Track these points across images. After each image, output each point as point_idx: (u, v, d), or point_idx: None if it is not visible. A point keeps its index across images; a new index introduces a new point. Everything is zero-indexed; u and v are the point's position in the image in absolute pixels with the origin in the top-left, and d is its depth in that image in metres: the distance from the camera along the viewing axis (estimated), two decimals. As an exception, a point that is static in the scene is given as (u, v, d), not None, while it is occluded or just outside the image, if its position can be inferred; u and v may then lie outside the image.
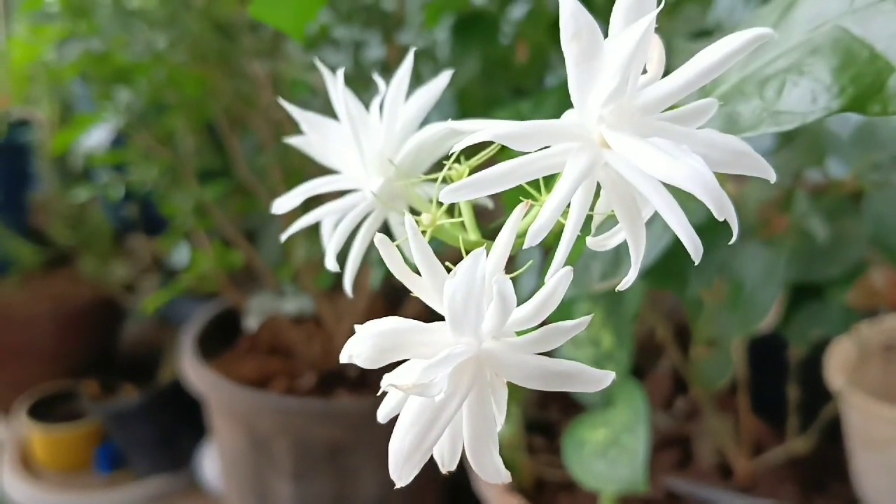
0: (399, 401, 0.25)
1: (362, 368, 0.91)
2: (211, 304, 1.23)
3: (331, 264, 0.33)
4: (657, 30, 0.24)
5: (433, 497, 1.13)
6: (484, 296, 0.22)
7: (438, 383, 0.22)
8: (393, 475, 0.23)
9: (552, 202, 0.23)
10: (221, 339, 1.17)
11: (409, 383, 0.22)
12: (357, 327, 0.24)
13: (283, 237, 0.34)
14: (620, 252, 0.51)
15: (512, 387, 0.81)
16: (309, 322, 1.14)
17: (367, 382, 1.07)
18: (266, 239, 1.19)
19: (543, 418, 0.98)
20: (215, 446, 1.18)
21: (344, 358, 0.24)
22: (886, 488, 0.88)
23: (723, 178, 0.55)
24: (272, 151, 1.04)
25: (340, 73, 0.31)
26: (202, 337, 1.14)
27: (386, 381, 0.23)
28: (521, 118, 0.73)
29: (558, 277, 0.23)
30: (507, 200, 0.37)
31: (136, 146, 1.08)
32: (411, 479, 0.23)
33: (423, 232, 0.28)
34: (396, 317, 0.24)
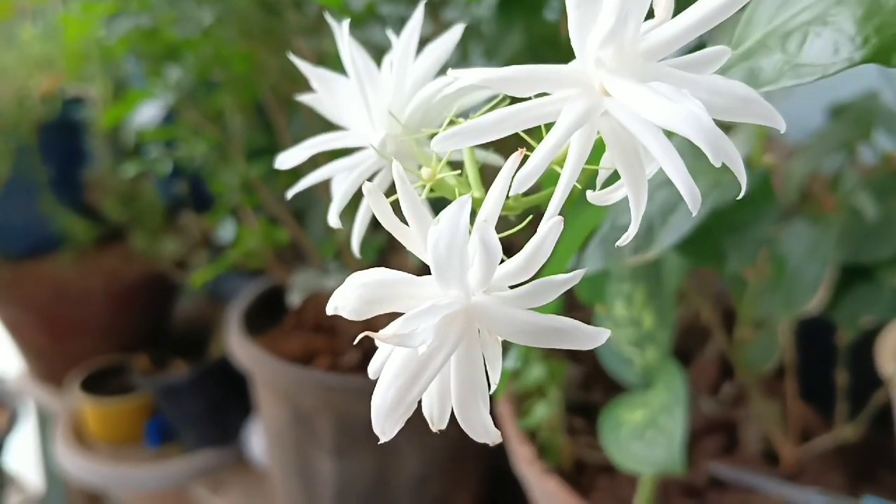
0: (386, 355, 0.25)
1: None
2: (258, 281, 1.24)
3: (333, 221, 0.32)
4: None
5: (475, 477, 1.13)
6: (467, 245, 0.22)
7: (420, 334, 0.21)
8: (376, 429, 0.23)
9: (542, 148, 0.22)
10: (267, 315, 1.18)
11: (391, 332, 0.21)
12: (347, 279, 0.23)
13: (289, 195, 0.33)
14: (652, 225, 0.50)
15: (553, 368, 0.80)
16: (353, 299, 1.14)
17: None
18: (312, 216, 1.19)
19: (585, 400, 0.96)
20: (260, 422, 1.20)
21: (329, 310, 0.23)
22: (940, 479, 0.85)
23: (762, 150, 0.53)
24: (319, 129, 1.04)
25: (346, 24, 0.30)
26: (248, 313, 1.15)
27: (369, 333, 0.22)
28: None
29: (549, 226, 0.22)
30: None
31: (185, 123, 1.09)
32: (395, 433, 0.23)
33: (423, 187, 0.27)
34: (384, 268, 0.23)
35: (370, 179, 0.32)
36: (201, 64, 1.03)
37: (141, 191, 1.33)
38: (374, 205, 0.24)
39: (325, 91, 0.32)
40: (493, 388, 0.25)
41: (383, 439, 0.23)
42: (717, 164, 0.21)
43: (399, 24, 1.06)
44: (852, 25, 0.26)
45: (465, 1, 0.97)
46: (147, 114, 1.14)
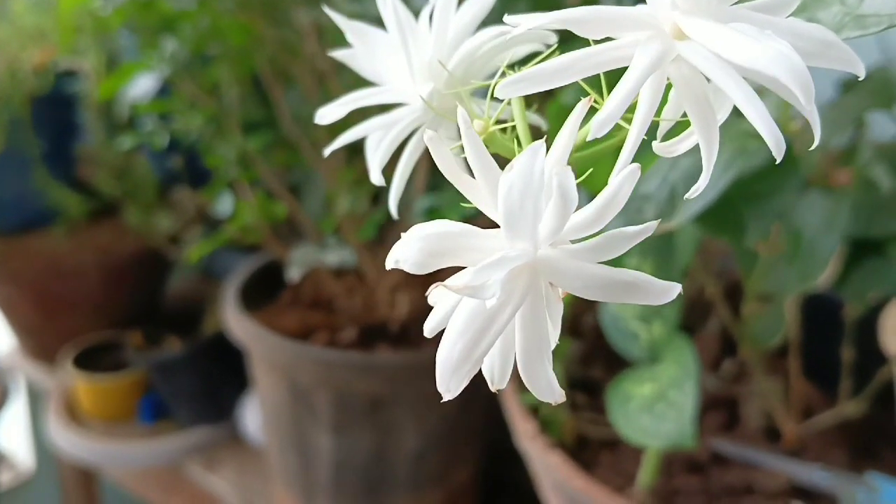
0: (446, 312, 0.23)
1: (403, 323, 0.90)
2: (254, 256, 1.23)
3: (375, 178, 0.31)
4: None
5: (473, 452, 1.13)
6: (542, 193, 0.21)
7: (492, 286, 0.20)
8: (440, 387, 0.22)
9: (618, 93, 0.21)
10: (264, 291, 1.17)
11: (462, 283, 0.20)
12: (404, 234, 0.22)
13: (327, 151, 0.32)
14: (675, 193, 0.49)
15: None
16: (350, 275, 1.13)
17: (407, 337, 1.06)
18: (309, 191, 1.18)
19: (587, 376, 0.96)
20: (257, 398, 1.19)
21: (390, 263, 0.22)
22: (941, 456, 0.86)
23: (788, 117, 0.52)
24: (316, 103, 1.02)
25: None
26: (245, 289, 1.14)
27: (434, 287, 0.21)
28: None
29: (624, 175, 0.21)
30: (549, 115, 0.35)
31: (180, 96, 1.07)
32: (460, 390, 0.22)
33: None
34: (446, 220, 0.22)
35: (408, 138, 0.31)
36: (198, 36, 1.01)
37: (134, 165, 1.31)
38: (437, 154, 0.23)
39: (361, 45, 0.31)
40: (554, 345, 0.24)
41: (447, 397, 0.22)
42: (810, 108, 0.20)
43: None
44: (918, -26, 0.25)
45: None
46: (141, 86, 1.12)
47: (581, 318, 1.01)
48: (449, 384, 0.22)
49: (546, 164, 0.21)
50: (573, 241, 0.22)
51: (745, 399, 0.94)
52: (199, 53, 1.04)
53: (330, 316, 1.11)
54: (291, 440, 1.08)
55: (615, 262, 0.63)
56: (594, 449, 0.87)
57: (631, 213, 0.49)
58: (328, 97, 1.05)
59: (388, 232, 1.06)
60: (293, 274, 1.02)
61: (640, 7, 0.22)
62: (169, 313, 1.54)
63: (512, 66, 0.28)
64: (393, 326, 1.07)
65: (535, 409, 0.84)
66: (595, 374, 0.97)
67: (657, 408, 0.67)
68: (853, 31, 0.25)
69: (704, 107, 0.23)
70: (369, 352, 1.02)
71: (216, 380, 1.32)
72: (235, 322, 1.06)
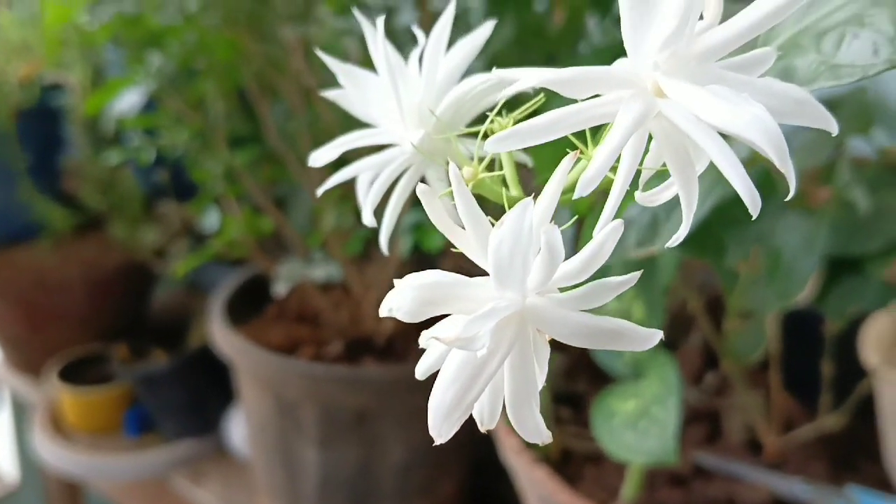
0: (438, 357, 0.24)
1: (389, 337, 0.90)
2: (240, 270, 1.23)
3: (368, 220, 0.32)
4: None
5: (459, 466, 1.13)
6: (531, 249, 0.22)
7: (482, 337, 0.21)
8: (432, 431, 0.23)
9: (604, 150, 0.22)
10: (250, 305, 1.17)
11: (453, 336, 0.21)
12: (397, 281, 0.23)
13: (319, 192, 0.33)
14: (657, 218, 0.50)
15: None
16: (336, 289, 1.14)
17: (393, 351, 1.06)
18: (295, 206, 1.18)
19: (571, 390, 0.97)
20: (243, 412, 1.19)
21: (384, 311, 0.23)
22: (919, 467, 0.87)
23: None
24: (302, 118, 1.03)
25: (381, 21, 0.30)
26: (231, 303, 1.15)
27: (426, 335, 0.22)
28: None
29: (608, 230, 0.22)
30: (537, 160, 0.36)
31: (167, 111, 1.07)
32: (451, 435, 0.23)
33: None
34: (438, 270, 0.23)
35: (398, 178, 0.32)
36: (184, 51, 1.02)
37: (120, 179, 1.31)
38: (429, 206, 0.24)
39: (352, 87, 0.32)
40: (541, 386, 0.25)
41: (439, 441, 0.23)
42: (784, 170, 0.21)
43: (384, 12, 1.06)
44: (891, 26, 0.26)
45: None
46: (127, 101, 1.12)
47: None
48: (441, 429, 0.23)
49: (534, 217, 0.21)
50: (560, 290, 0.23)
51: (727, 412, 0.95)
52: (185, 68, 1.05)
53: (316, 330, 1.11)
54: (277, 454, 1.09)
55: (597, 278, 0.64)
56: (578, 463, 0.88)
57: (614, 238, 0.50)
58: (314, 112, 1.06)
59: (374, 246, 1.07)
60: (280, 289, 1.03)
61: (623, 66, 0.23)
62: (155, 326, 1.54)
63: (501, 110, 0.29)
64: (379, 340, 1.08)
65: (521, 424, 0.85)
66: (579, 388, 0.98)
67: (641, 424, 0.68)
68: (828, 80, 0.26)
69: (684, 159, 0.24)
70: (355, 365, 1.03)
71: (202, 393, 1.32)
72: (221, 336, 1.07)
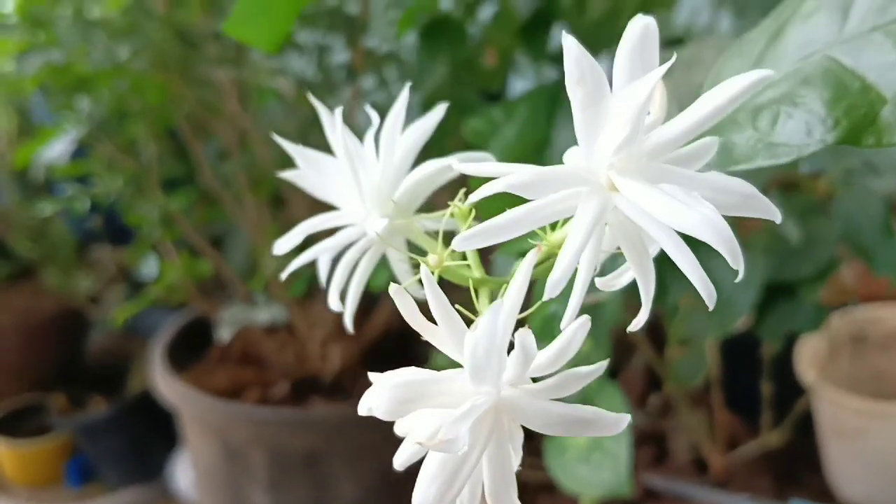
0: (416, 450, 0.25)
1: (336, 375, 0.90)
2: (179, 314, 1.21)
3: (334, 304, 0.33)
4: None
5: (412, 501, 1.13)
6: (505, 348, 0.23)
7: (462, 437, 0.22)
8: (417, 527, 0.23)
9: (568, 251, 0.23)
10: (191, 349, 1.15)
11: (436, 440, 0.22)
12: (373, 377, 0.23)
13: (284, 275, 0.34)
14: (604, 269, 0.52)
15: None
16: (281, 330, 1.13)
17: (341, 388, 1.06)
18: (233, 245, 1.18)
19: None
20: (189, 457, 1.17)
21: (363, 410, 0.23)
22: (856, 476, 0.90)
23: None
24: (238, 159, 1.03)
25: (339, 111, 0.30)
26: (172, 347, 1.13)
27: (402, 429, 0.23)
28: (494, 125, 0.74)
29: (575, 326, 0.23)
30: (484, 214, 0.37)
31: (98, 156, 1.06)
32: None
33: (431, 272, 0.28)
34: (413, 367, 0.24)
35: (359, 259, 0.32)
36: (114, 96, 1.01)
37: (51, 226, 1.29)
38: (401, 305, 0.25)
39: (309, 169, 0.33)
40: (516, 468, 0.26)
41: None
42: (736, 267, 0.23)
43: (316, 51, 1.06)
44: (822, 107, 0.27)
45: (385, 29, 0.97)
46: (56, 148, 1.10)
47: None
48: (427, 525, 0.23)
49: (502, 314, 0.22)
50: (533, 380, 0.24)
51: (673, 433, 0.97)
52: (115, 112, 1.04)
53: (261, 372, 1.10)
54: (226, 499, 1.07)
55: (550, 324, 0.65)
56: (532, 492, 0.89)
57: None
58: (249, 152, 1.05)
59: (317, 286, 1.06)
60: (224, 335, 1.02)
61: (577, 165, 0.24)
62: (92, 372, 1.51)
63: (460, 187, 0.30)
64: (325, 379, 1.07)
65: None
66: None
67: (593, 457, 0.69)
68: (766, 160, 0.28)
69: (638, 246, 0.25)
70: (303, 406, 1.02)
71: (144, 439, 1.30)
72: (164, 383, 1.05)
